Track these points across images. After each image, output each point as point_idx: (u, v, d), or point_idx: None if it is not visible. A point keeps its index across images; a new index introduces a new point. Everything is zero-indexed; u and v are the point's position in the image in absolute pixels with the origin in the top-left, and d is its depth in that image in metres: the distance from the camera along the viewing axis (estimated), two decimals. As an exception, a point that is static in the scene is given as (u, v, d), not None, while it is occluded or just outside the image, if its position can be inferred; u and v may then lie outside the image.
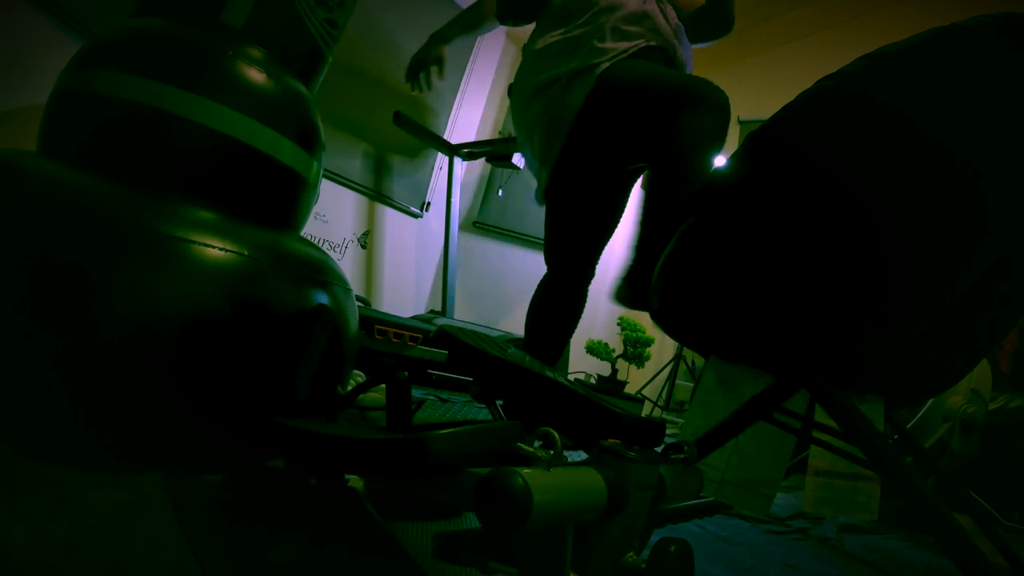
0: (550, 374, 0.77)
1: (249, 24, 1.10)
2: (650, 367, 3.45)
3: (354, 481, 0.89)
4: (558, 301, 1.55)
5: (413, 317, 2.91)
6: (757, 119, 3.83)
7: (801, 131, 0.76)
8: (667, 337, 1.13)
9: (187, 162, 1.00)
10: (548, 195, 1.53)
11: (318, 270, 1.07)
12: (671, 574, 0.50)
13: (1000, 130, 0.70)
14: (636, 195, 1.55)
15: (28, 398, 0.80)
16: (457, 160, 3.40)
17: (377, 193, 3.33)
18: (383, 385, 0.89)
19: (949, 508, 0.68)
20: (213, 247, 0.89)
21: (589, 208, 1.51)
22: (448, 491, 0.53)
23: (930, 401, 1.68)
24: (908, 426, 1.66)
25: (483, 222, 3.90)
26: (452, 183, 3.33)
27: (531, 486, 0.41)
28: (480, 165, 3.87)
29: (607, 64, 1.39)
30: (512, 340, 2.67)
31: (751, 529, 1.34)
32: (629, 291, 1.30)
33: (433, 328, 2.09)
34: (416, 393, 1.80)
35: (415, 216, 3.57)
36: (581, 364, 3.48)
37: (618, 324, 3.23)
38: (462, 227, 3.71)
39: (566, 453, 0.51)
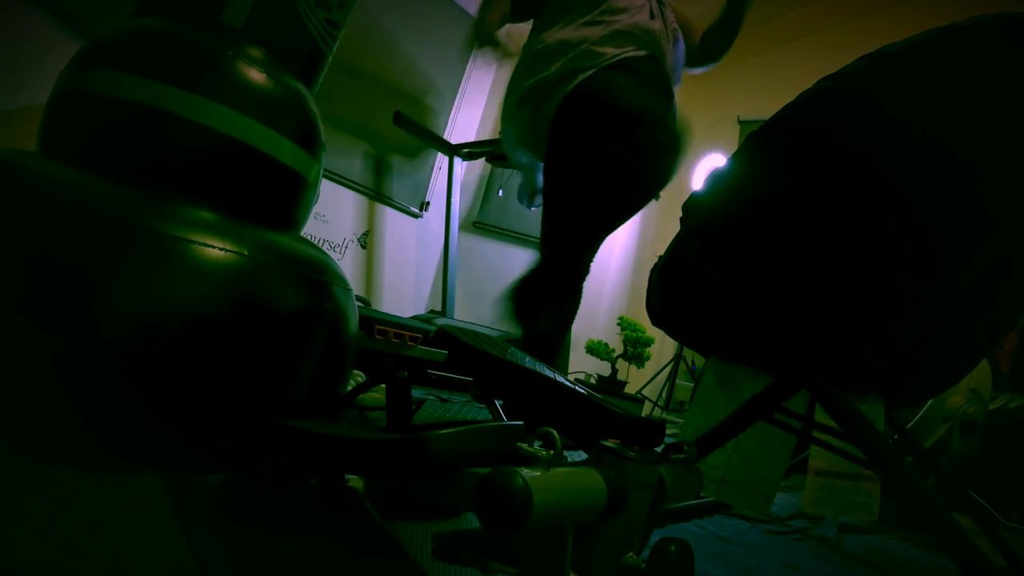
0: (550, 373, 0.77)
1: (249, 24, 1.10)
2: (650, 367, 3.45)
3: (354, 481, 0.89)
4: (554, 293, 1.54)
5: (413, 317, 2.91)
6: (757, 119, 3.83)
7: (801, 131, 0.76)
8: (667, 337, 1.13)
9: (187, 162, 1.00)
10: (544, 195, 1.55)
11: (318, 270, 1.07)
12: (671, 574, 0.50)
13: (1000, 130, 0.70)
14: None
15: (28, 398, 0.80)
16: (457, 160, 3.40)
17: (377, 193, 3.33)
18: (383, 385, 0.89)
19: (949, 508, 0.68)
20: (213, 247, 0.89)
21: (578, 210, 1.52)
22: (448, 491, 0.53)
23: (930, 401, 1.68)
24: (908, 426, 1.66)
25: (483, 222, 3.90)
26: (452, 183, 3.33)
27: (531, 486, 0.41)
28: (480, 165, 3.87)
29: (590, 72, 1.39)
30: (512, 340, 2.67)
31: (751, 529, 1.34)
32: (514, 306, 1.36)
33: (433, 328, 2.09)
34: (416, 393, 1.80)
35: (415, 216, 3.57)
36: (581, 364, 3.48)
37: (618, 324, 3.23)
38: (462, 227, 3.71)
39: (566, 453, 0.51)
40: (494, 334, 2.47)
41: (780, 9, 4.25)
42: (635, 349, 3.10)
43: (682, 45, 1.63)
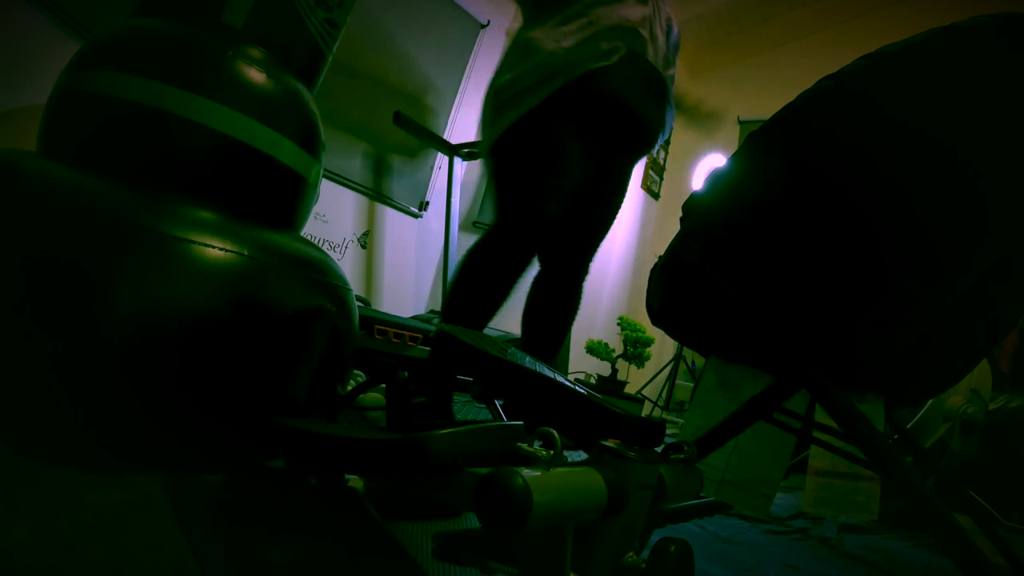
0: (550, 373, 0.77)
1: (249, 24, 1.10)
2: (650, 367, 3.45)
3: (354, 481, 0.89)
4: (553, 295, 1.50)
5: (413, 317, 2.91)
6: (757, 119, 3.83)
7: (801, 131, 0.76)
8: (667, 337, 1.13)
9: (187, 162, 1.00)
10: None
11: (318, 270, 1.07)
12: (671, 574, 0.50)
13: (1000, 130, 0.70)
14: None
15: (28, 398, 0.80)
16: (457, 160, 3.39)
17: (377, 193, 3.33)
18: (383, 385, 0.88)
19: (949, 508, 0.68)
20: (213, 247, 0.89)
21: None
22: (448, 491, 0.53)
23: (930, 401, 1.68)
24: (908, 426, 1.66)
25: (483, 222, 3.90)
26: (452, 183, 3.33)
27: (531, 486, 0.41)
28: (480, 165, 3.86)
29: (557, 84, 1.29)
30: (512, 340, 2.67)
31: (751, 529, 1.34)
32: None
33: (433, 328, 2.09)
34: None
35: (415, 216, 3.57)
36: (581, 364, 3.48)
37: (618, 324, 3.23)
38: (462, 227, 3.70)
39: (566, 453, 0.51)
40: (494, 334, 2.47)
41: (780, 9, 4.25)
42: (635, 349, 3.10)
43: (676, 33, 1.52)
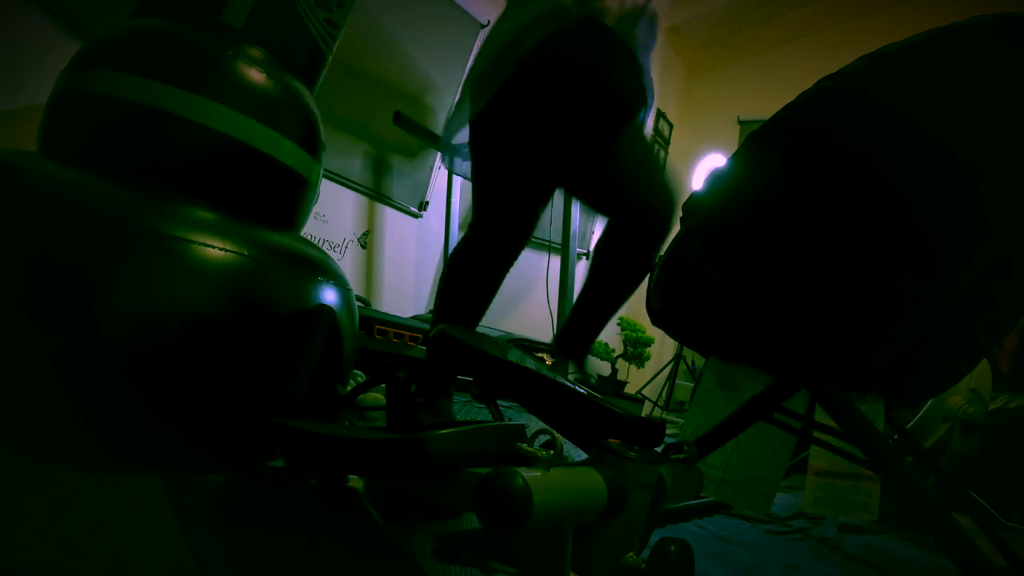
0: (550, 373, 0.77)
1: (249, 24, 1.10)
2: (650, 367, 3.45)
3: (354, 481, 0.89)
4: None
5: (413, 317, 2.90)
6: (757, 119, 3.83)
7: (801, 131, 0.76)
8: (667, 337, 1.12)
9: (187, 162, 1.00)
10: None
11: (318, 270, 1.07)
12: (671, 574, 0.50)
13: (1000, 130, 0.70)
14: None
15: (28, 398, 0.80)
16: (457, 160, 3.39)
17: (377, 193, 3.33)
18: (383, 385, 0.88)
19: (949, 508, 0.68)
20: (213, 247, 0.89)
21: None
22: (448, 491, 0.53)
23: (930, 401, 1.68)
24: (908, 426, 1.66)
25: (483, 222, 3.89)
26: (452, 183, 3.33)
27: (531, 486, 0.41)
28: (480, 165, 3.86)
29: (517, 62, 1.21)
30: (512, 340, 2.67)
31: (751, 529, 1.34)
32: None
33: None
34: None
35: (415, 216, 3.57)
36: (581, 364, 3.48)
37: (618, 324, 3.23)
38: (462, 227, 3.70)
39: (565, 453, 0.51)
40: (494, 334, 2.47)
41: (780, 9, 4.25)
42: (635, 349, 3.10)
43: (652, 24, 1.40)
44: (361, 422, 1.31)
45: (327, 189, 2.98)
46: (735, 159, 0.85)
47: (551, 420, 0.71)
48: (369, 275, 3.34)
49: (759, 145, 0.80)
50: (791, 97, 0.77)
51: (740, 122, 4.16)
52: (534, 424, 0.78)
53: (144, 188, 0.92)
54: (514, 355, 0.81)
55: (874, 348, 0.80)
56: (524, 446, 0.49)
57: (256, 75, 1.06)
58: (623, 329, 3.16)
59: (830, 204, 0.73)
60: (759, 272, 0.81)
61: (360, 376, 1.59)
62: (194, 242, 0.87)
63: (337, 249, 3.16)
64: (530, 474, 0.43)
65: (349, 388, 1.10)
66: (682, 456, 0.69)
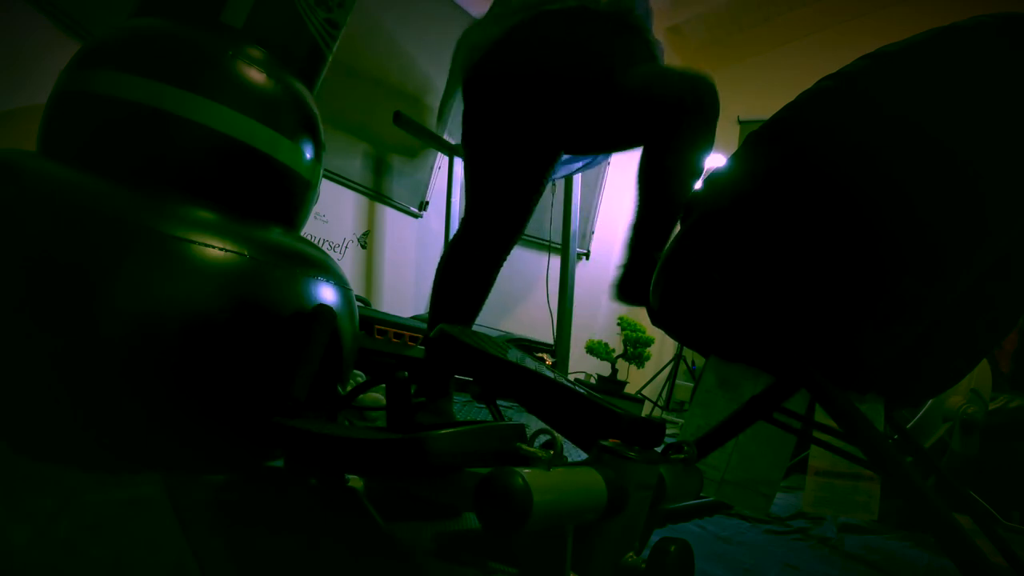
0: (550, 373, 0.77)
1: (249, 24, 1.10)
2: (650, 367, 3.45)
3: (354, 481, 0.89)
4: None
5: (413, 317, 2.90)
6: (757, 119, 3.83)
7: (801, 131, 0.76)
8: (667, 337, 1.12)
9: (187, 162, 1.00)
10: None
11: (318, 270, 1.07)
12: (671, 574, 0.50)
13: (1000, 130, 0.70)
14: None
15: (28, 398, 0.80)
16: (457, 160, 3.39)
17: (377, 193, 3.33)
18: (383, 385, 0.88)
19: (949, 508, 0.68)
20: (213, 247, 0.89)
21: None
22: (448, 491, 0.53)
23: (930, 401, 1.68)
24: (908, 426, 1.66)
25: (483, 222, 3.89)
26: (452, 183, 3.33)
27: (531, 486, 0.41)
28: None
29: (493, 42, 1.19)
30: (512, 340, 2.67)
31: (751, 529, 1.34)
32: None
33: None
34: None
35: (415, 216, 3.57)
36: (581, 364, 3.48)
37: (618, 324, 3.23)
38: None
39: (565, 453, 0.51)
40: (494, 334, 2.47)
41: (780, 9, 4.25)
42: (635, 349, 3.10)
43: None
44: (361, 422, 1.31)
45: (327, 189, 2.98)
46: (735, 159, 0.85)
47: (551, 420, 0.71)
48: (369, 275, 3.34)
49: (759, 145, 0.80)
50: (791, 97, 0.77)
51: (740, 122, 4.16)
52: (534, 424, 0.78)
53: (144, 188, 0.92)
54: (514, 355, 0.81)
55: (874, 348, 0.80)
56: (524, 446, 0.49)
57: (256, 75, 1.06)
58: (623, 329, 3.16)
59: (830, 204, 0.73)
60: (759, 272, 0.80)
61: (360, 376, 1.59)
62: (194, 242, 0.87)
63: (337, 249, 3.16)
64: (530, 474, 0.43)
65: (349, 388, 1.10)
66: (682, 456, 0.69)
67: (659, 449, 0.67)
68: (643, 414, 1.48)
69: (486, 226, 1.28)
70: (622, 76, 1.22)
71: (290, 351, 0.92)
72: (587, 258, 4.02)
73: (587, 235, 4.02)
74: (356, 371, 1.58)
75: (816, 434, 0.94)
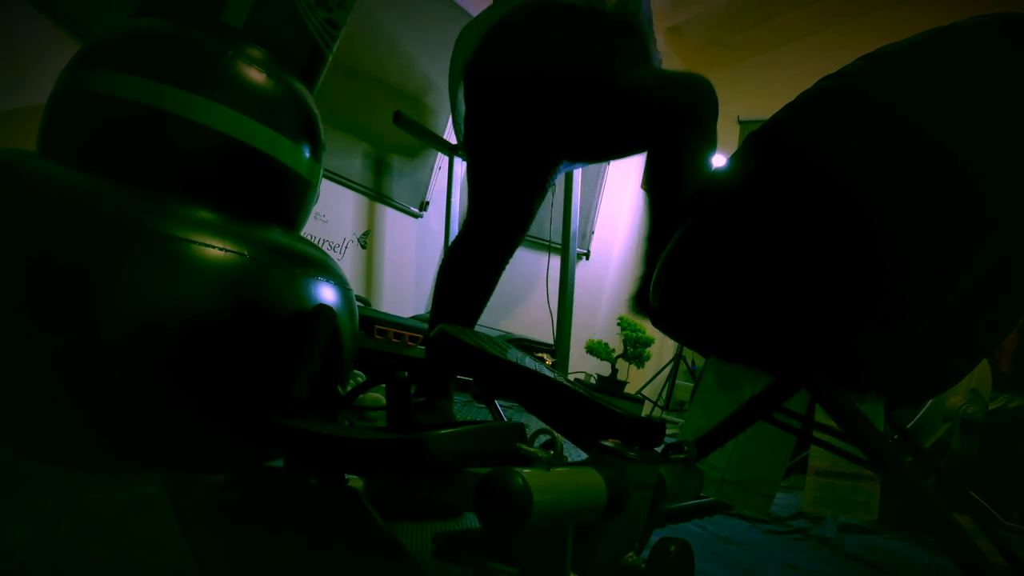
0: (550, 373, 0.77)
1: (249, 24, 1.10)
2: (650, 367, 3.45)
3: (354, 481, 0.89)
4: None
5: (413, 317, 2.91)
6: (757, 119, 3.83)
7: (801, 131, 0.76)
8: (667, 337, 1.12)
9: (187, 162, 1.00)
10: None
11: (318, 270, 1.07)
12: (671, 574, 0.50)
13: (1000, 130, 0.70)
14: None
15: (28, 398, 0.80)
16: (457, 160, 3.39)
17: (377, 193, 3.33)
18: (383, 385, 0.89)
19: (949, 508, 0.68)
20: (213, 247, 0.89)
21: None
22: (448, 491, 0.53)
23: (930, 401, 1.68)
24: (908, 426, 1.66)
25: (483, 222, 3.89)
26: (452, 183, 3.33)
27: (531, 486, 0.41)
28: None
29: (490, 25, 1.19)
30: (512, 340, 2.67)
31: (751, 529, 1.34)
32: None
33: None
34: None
35: (415, 216, 3.57)
36: (581, 364, 3.48)
37: (618, 324, 3.23)
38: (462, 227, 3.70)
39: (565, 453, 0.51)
40: (494, 334, 2.47)
41: (780, 9, 4.25)
42: (635, 349, 3.10)
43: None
44: (361, 422, 1.31)
45: (327, 189, 2.98)
46: (735, 159, 0.85)
47: (551, 420, 0.71)
48: (369, 275, 3.34)
49: (759, 145, 0.80)
50: (791, 97, 0.77)
51: (740, 122, 4.16)
52: (534, 424, 0.78)
53: (144, 188, 0.92)
54: (514, 355, 0.81)
55: (874, 348, 0.80)
56: (524, 446, 0.49)
57: (256, 75, 1.06)
58: (623, 329, 3.16)
59: (830, 204, 0.73)
60: (759, 272, 0.81)
61: (360, 376, 1.59)
62: (194, 242, 0.87)
63: (337, 249, 3.16)
64: (530, 474, 0.43)
65: (349, 388, 1.10)
66: (682, 456, 0.69)
67: (659, 449, 0.67)
68: (643, 414, 1.48)
69: (489, 228, 1.27)
70: (622, 78, 1.22)
71: (290, 351, 0.92)
72: (587, 258, 4.03)
73: (587, 235, 4.02)
74: (356, 371, 1.58)
75: (816, 434, 0.94)
